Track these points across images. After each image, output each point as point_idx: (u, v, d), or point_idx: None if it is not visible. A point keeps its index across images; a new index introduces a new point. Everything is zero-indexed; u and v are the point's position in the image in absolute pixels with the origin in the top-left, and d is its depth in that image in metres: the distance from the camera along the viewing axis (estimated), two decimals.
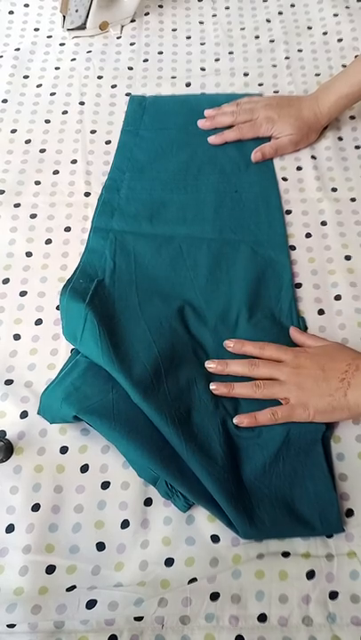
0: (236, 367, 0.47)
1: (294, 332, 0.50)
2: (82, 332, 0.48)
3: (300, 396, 0.44)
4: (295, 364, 0.46)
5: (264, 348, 0.47)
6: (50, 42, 0.76)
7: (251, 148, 0.64)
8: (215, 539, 0.42)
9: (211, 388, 0.46)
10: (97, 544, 0.42)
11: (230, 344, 0.49)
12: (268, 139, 0.64)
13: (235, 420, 0.45)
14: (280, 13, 0.78)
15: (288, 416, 0.44)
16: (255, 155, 0.62)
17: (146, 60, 0.74)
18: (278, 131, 0.62)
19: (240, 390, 0.46)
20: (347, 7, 0.77)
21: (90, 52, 0.74)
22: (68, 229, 0.59)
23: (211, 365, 0.47)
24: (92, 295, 0.50)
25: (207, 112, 0.65)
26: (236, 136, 0.63)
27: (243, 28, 0.77)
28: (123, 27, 0.77)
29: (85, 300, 0.50)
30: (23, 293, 0.54)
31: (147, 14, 0.78)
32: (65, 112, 0.68)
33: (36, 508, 0.43)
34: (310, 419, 0.44)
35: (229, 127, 0.64)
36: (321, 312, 0.53)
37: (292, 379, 0.45)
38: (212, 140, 0.63)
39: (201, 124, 0.65)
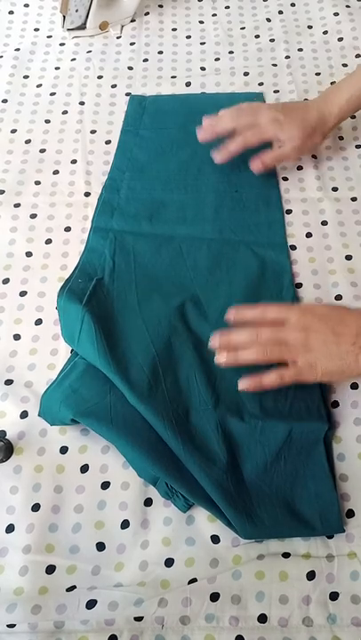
0: (239, 336, 0.44)
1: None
2: (79, 333, 0.48)
3: (308, 358, 0.43)
4: (302, 324, 0.43)
5: (266, 312, 0.45)
6: (50, 42, 0.76)
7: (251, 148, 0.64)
8: (215, 539, 0.42)
9: (216, 360, 0.44)
10: (97, 544, 0.42)
11: (230, 316, 0.46)
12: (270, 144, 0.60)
13: (239, 386, 0.43)
14: (280, 12, 0.78)
15: (296, 377, 0.43)
16: (255, 164, 0.58)
17: (146, 60, 0.73)
18: (285, 133, 0.57)
19: (246, 356, 0.44)
20: (347, 6, 0.77)
21: (90, 51, 0.74)
22: (68, 229, 0.59)
23: (215, 340, 0.45)
24: (90, 295, 0.50)
25: (206, 122, 0.59)
26: (240, 146, 0.57)
27: (243, 28, 0.77)
28: (123, 27, 0.77)
29: (83, 300, 0.49)
30: (23, 293, 0.54)
31: (147, 14, 0.78)
32: (65, 112, 0.68)
33: (36, 507, 0.43)
34: (318, 379, 0.43)
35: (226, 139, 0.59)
36: None
37: (299, 340, 0.43)
38: (217, 159, 0.58)
39: (201, 136, 0.59)
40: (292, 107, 0.59)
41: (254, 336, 0.44)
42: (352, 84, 0.59)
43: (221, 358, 0.44)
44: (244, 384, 0.43)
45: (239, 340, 0.45)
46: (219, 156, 0.59)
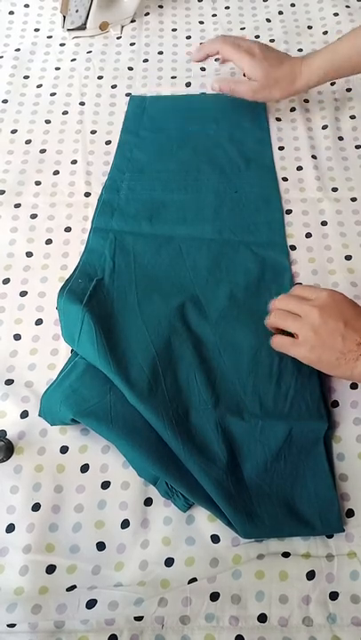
0: (279, 301, 0.46)
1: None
2: (79, 333, 0.48)
3: (310, 338, 0.42)
4: (323, 304, 0.43)
5: (300, 289, 0.47)
6: (50, 42, 0.76)
7: (251, 148, 0.64)
8: (215, 539, 0.42)
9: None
10: (97, 544, 0.42)
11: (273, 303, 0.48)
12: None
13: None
14: (280, 13, 0.78)
15: (284, 347, 0.44)
16: (212, 85, 0.62)
17: (146, 60, 0.74)
18: (247, 66, 0.59)
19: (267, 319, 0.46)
20: (347, 7, 0.77)
21: (90, 52, 0.74)
22: (68, 229, 0.59)
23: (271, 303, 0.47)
24: (90, 296, 0.51)
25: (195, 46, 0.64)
26: (215, 48, 0.61)
27: (243, 28, 0.77)
28: (123, 27, 0.77)
29: (83, 301, 0.50)
30: (23, 293, 0.54)
31: (147, 14, 0.78)
32: (65, 112, 0.68)
33: (36, 507, 0.43)
34: (308, 361, 0.43)
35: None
36: None
37: (310, 317, 0.43)
38: (193, 56, 0.63)
39: (193, 57, 0.64)
40: (272, 51, 0.61)
41: (274, 301, 0.47)
42: (333, 57, 0.59)
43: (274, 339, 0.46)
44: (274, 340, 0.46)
45: (275, 304, 0.47)
46: (195, 53, 0.63)
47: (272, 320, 0.46)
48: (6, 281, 0.55)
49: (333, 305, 0.43)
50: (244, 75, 0.61)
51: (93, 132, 0.66)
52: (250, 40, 0.62)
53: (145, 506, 0.44)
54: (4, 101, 0.69)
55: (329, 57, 0.59)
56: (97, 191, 0.61)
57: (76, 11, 0.73)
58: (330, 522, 0.42)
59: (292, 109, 0.68)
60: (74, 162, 0.64)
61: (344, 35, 0.60)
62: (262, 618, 0.39)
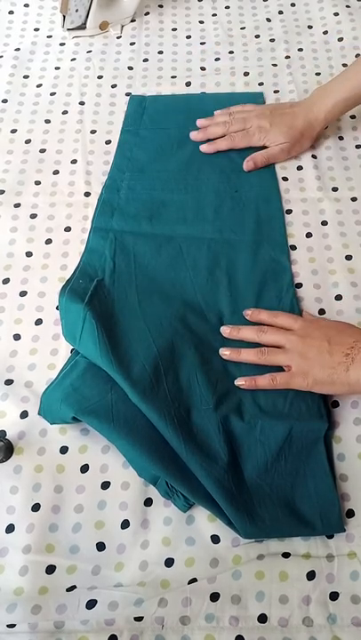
0: (246, 333, 0.48)
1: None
2: (80, 332, 0.48)
3: (301, 365, 0.44)
4: (303, 332, 0.46)
5: (277, 317, 0.49)
6: (50, 42, 0.76)
7: (251, 148, 0.64)
8: (215, 539, 0.42)
9: (221, 352, 0.48)
10: (97, 544, 0.42)
11: (248, 312, 0.50)
12: (262, 147, 0.62)
13: (235, 382, 0.46)
14: (280, 12, 0.78)
15: (286, 383, 0.45)
16: (247, 164, 0.61)
17: (146, 60, 0.73)
18: (271, 140, 0.61)
19: (246, 356, 0.47)
20: (347, 6, 0.77)
21: (90, 51, 0.74)
22: (68, 229, 0.59)
23: (225, 330, 0.49)
24: (92, 295, 0.50)
25: (200, 122, 0.64)
26: (228, 145, 0.62)
27: (243, 28, 0.77)
28: (123, 27, 0.77)
29: (84, 300, 0.49)
30: (23, 293, 0.54)
31: (147, 14, 0.78)
32: (65, 112, 0.68)
33: (36, 507, 0.43)
34: (308, 388, 0.45)
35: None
36: (322, 312, 0.53)
37: (296, 347, 0.45)
38: (203, 148, 0.63)
39: (193, 135, 0.63)
40: (280, 113, 0.62)
41: (260, 334, 0.48)
42: (339, 88, 0.60)
43: (225, 352, 0.48)
44: (239, 381, 0.47)
45: (246, 335, 0.48)
46: (205, 148, 0.63)
47: (262, 358, 0.46)
48: (6, 281, 0.55)
49: (314, 328, 0.47)
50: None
51: (93, 131, 0.66)
52: (254, 110, 0.63)
53: (145, 506, 0.44)
54: (4, 101, 0.69)
55: (341, 95, 0.60)
56: (97, 191, 0.61)
57: (76, 10, 0.73)
58: (330, 522, 0.42)
59: None
60: (74, 162, 0.64)
61: (351, 65, 0.61)
62: (262, 618, 0.39)
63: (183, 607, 0.39)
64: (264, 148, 0.62)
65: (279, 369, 0.46)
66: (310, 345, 0.45)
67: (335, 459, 0.45)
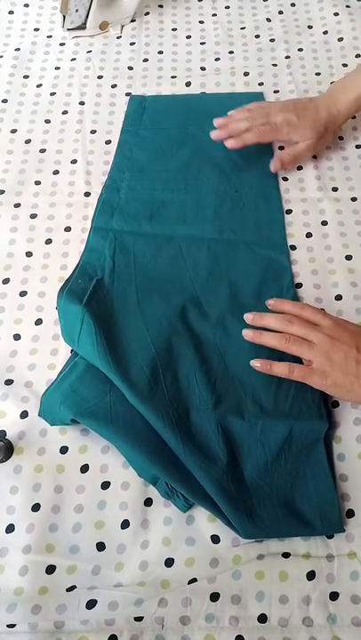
0: (271, 320, 0.46)
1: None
2: (79, 333, 0.48)
3: (323, 364, 0.43)
4: (333, 332, 0.45)
5: (303, 309, 0.47)
6: (50, 42, 0.76)
7: (250, 148, 0.64)
8: (215, 539, 0.42)
9: (243, 333, 0.47)
10: (97, 544, 0.42)
11: (271, 301, 0.49)
12: (281, 146, 0.61)
13: (251, 363, 0.45)
14: (280, 12, 0.78)
15: (303, 377, 0.44)
16: (274, 164, 0.59)
17: (146, 60, 0.73)
18: (298, 134, 0.59)
19: (268, 339, 0.46)
20: (347, 6, 0.77)
21: (90, 51, 0.74)
22: (68, 229, 0.59)
23: (249, 317, 0.48)
24: (90, 295, 0.50)
25: (217, 122, 0.60)
26: (255, 139, 0.59)
27: (243, 28, 0.77)
28: (123, 27, 0.77)
29: (83, 300, 0.49)
30: (23, 293, 0.54)
31: (147, 14, 0.78)
32: (65, 112, 0.68)
33: (36, 507, 0.43)
34: (324, 388, 0.44)
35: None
36: None
37: (323, 346, 0.44)
38: (230, 144, 0.59)
39: (215, 135, 0.60)
40: (303, 107, 0.60)
41: (286, 324, 0.45)
42: (358, 83, 0.59)
43: (248, 333, 0.47)
44: (255, 362, 0.45)
45: (270, 323, 0.46)
46: (232, 142, 0.59)
47: (285, 345, 0.45)
48: (6, 281, 0.55)
49: (343, 332, 0.45)
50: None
51: (93, 131, 0.66)
52: (275, 105, 0.61)
53: (145, 506, 0.44)
54: (4, 101, 0.69)
55: (354, 87, 0.59)
56: (97, 191, 0.61)
57: (76, 10, 0.73)
58: (330, 522, 0.42)
59: None
60: (74, 161, 0.64)
61: None
62: (262, 618, 0.39)
63: (183, 607, 0.39)
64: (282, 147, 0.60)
65: (295, 359, 0.45)
66: (338, 348, 0.43)
67: (335, 459, 0.45)
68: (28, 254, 0.57)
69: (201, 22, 0.78)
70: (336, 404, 0.48)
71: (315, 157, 0.64)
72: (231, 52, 0.74)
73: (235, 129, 0.59)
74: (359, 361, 0.43)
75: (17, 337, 0.52)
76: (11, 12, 0.79)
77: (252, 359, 0.46)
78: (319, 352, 0.44)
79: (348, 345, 0.44)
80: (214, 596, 0.40)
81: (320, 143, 0.60)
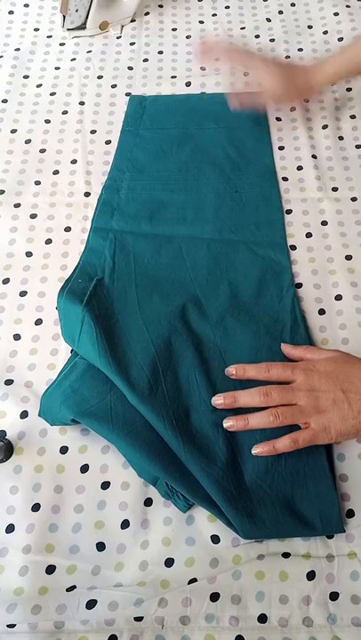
0: (246, 399, 0.43)
1: (288, 349, 0.47)
2: (79, 333, 0.48)
3: (320, 420, 0.42)
4: (309, 385, 0.42)
5: (270, 370, 0.44)
6: (50, 42, 0.76)
7: (250, 148, 0.64)
8: (215, 539, 0.42)
9: (225, 425, 0.43)
10: (97, 544, 0.42)
11: (232, 371, 0.45)
12: None
13: (253, 451, 0.42)
14: (280, 12, 0.78)
15: (310, 441, 0.42)
16: (232, 102, 0.62)
17: (146, 60, 0.73)
18: (268, 81, 0.61)
19: (257, 421, 0.42)
20: (347, 6, 0.77)
21: (90, 52, 0.74)
22: (68, 229, 0.59)
23: (218, 401, 0.44)
24: (90, 295, 0.50)
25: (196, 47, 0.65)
26: (229, 61, 0.64)
27: (243, 28, 0.77)
28: (123, 27, 0.77)
29: (83, 301, 0.49)
30: (23, 293, 0.54)
31: (147, 14, 0.78)
32: (65, 112, 0.68)
33: (36, 507, 0.43)
34: (333, 441, 0.42)
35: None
36: (322, 312, 0.53)
37: (310, 402, 0.42)
38: (198, 54, 0.64)
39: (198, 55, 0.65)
40: (281, 62, 0.65)
41: (265, 399, 0.42)
42: (341, 58, 0.62)
43: (230, 424, 0.43)
44: (257, 450, 0.42)
45: (246, 402, 0.43)
46: (200, 53, 0.64)
47: (277, 421, 0.42)
48: (6, 281, 0.55)
49: (319, 379, 0.43)
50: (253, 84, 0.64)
51: (93, 131, 0.66)
52: (251, 52, 0.65)
53: (145, 506, 0.44)
54: (4, 101, 0.69)
55: (339, 59, 0.62)
56: (97, 191, 0.61)
57: (76, 10, 0.73)
58: (330, 522, 0.42)
59: (292, 109, 0.68)
60: (74, 162, 0.64)
61: (353, 40, 0.63)
62: (262, 618, 0.39)
63: (183, 607, 0.39)
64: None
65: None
66: (324, 399, 0.42)
67: (335, 459, 0.45)
68: (28, 254, 0.57)
69: (201, 22, 0.78)
70: None
71: (314, 157, 0.63)
72: None
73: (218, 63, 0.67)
74: (350, 401, 0.41)
75: (17, 337, 0.52)
76: (11, 12, 0.79)
77: (250, 359, 0.45)
78: (310, 411, 0.42)
79: (331, 390, 0.42)
80: (214, 596, 0.40)
81: (286, 97, 0.64)
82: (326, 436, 0.42)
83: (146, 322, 0.50)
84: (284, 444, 0.42)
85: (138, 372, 0.46)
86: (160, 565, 0.41)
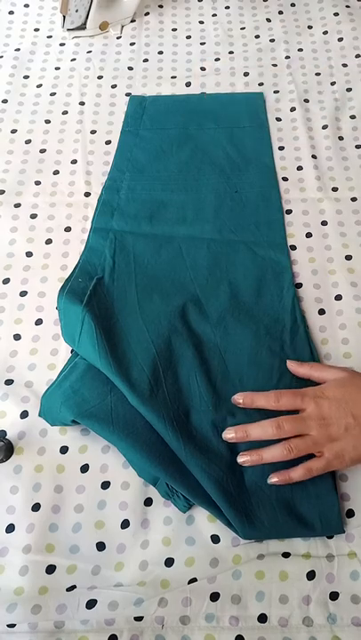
0: (258, 432, 0.42)
1: (294, 367, 0.47)
2: (79, 334, 0.48)
3: (334, 448, 0.41)
4: (320, 414, 0.42)
5: (279, 400, 0.43)
6: (50, 42, 0.76)
7: (251, 148, 0.64)
8: (215, 539, 0.42)
9: (239, 461, 0.42)
10: (97, 544, 0.42)
11: (240, 399, 0.44)
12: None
13: (269, 481, 0.42)
14: (280, 13, 0.78)
15: (325, 469, 0.42)
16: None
17: (146, 60, 0.73)
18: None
19: (271, 455, 0.42)
20: (347, 6, 0.77)
21: (90, 52, 0.74)
22: (68, 229, 0.59)
23: (230, 435, 0.43)
24: (90, 295, 0.50)
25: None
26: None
27: (243, 28, 0.77)
28: (123, 27, 0.77)
29: (83, 301, 0.49)
30: (23, 293, 0.54)
31: (147, 14, 0.78)
32: (65, 112, 0.68)
33: (36, 507, 0.43)
34: (346, 467, 0.43)
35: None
36: (321, 312, 0.53)
37: (322, 432, 0.41)
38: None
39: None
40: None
41: (277, 431, 0.41)
42: None
43: (244, 460, 0.42)
44: (274, 479, 0.42)
45: (259, 435, 0.42)
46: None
47: (291, 455, 0.41)
48: (6, 281, 0.55)
49: (329, 406, 0.42)
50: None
51: (93, 131, 0.66)
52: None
53: (145, 506, 0.44)
54: (4, 101, 0.69)
55: None
56: (97, 191, 0.61)
57: (76, 10, 0.73)
58: (330, 523, 0.42)
59: (293, 109, 0.68)
60: (74, 162, 0.64)
61: None
62: (262, 618, 0.39)
63: (183, 607, 0.39)
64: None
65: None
66: (336, 427, 0.41)
67: None
68: (28, 254, 0.57)
69: (201, 22, 0.78)
70: None
71: (314, 157, 0.64)
72: (231, 52, 0.74)
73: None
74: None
75: (17, 337, 0.52)
76: (11, 13, 0.79)
77: (251, 359, 0.45)
78: (323, 441, 0.41)
79: (342, 417, 0.41)
80: (214, 596, 0.40)
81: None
82: (340, 463, 0.42)
83: (146, 322, 0.50)
84: (298, 473, 0.41)
85: (138, 373, 0.46)
86: (160, 565, 0.41)
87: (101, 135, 0.66)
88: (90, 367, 0.47)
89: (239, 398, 0.45)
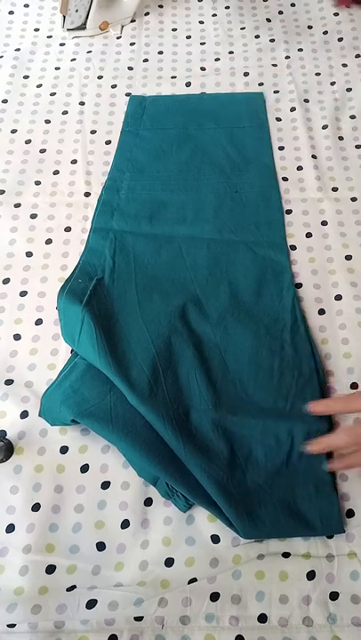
0: (340, 441, 0.42)
1: (322, 407, 0.44)
2: (79, 334, 0.48)
3: None
4: None
5: (351, 403, 0.42)
6: (50, 42, 0.76)
7: (251, 148, 0.64)
8: (215, 539, 0.42)
9: (328, 468, 0.42)
10: (97, 544, 0.42)
11: (316, 408, 0.43)
12: None
13: (327, 467, 0.42)
14: (280, 13, 0.78)
15: None
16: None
17: (146, 60, 0.73)
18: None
19: (356, 460, 0.42)
20: (347, 6, 0.77)
21: (90, 52, 0.74)
22: (68, 229, 0.59)
23: (313, 448, 0.42)
24: (90, 295, 0.50)
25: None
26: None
27: (243, 28, 0.77)
28: (123, 27, 0.77)
29: (83, 301, 0.50)
30: (23, 293, 0.54)
31: (147, 14, 0.78)
32: (65, 112, 0.68)
33: (36, 507, 0.43)
34: None
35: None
36: (321, 312, 0.53)
37: None
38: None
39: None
40: None
41: (355, 437, 0.42)
42: None
43: (332, 466, 0.43)
44: (332, 465, 0.42)
45: (340, 444, 0.42)
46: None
47: (352, 463, 0.42)
48: (6, 281, 0.55)
49: None
50: None
51: (93, 131, 0.66)
52: None
53: (145, 506, 0.44)
54: (4, 101, 0.69)
55: None
56: (97, 191, 0.61)
57: (76, 10, 0.73)
58: (330, 522, 0.42)
59: (293, 109, 0.68)
60: (74, 162, 0.64)
61: None
62: (262, 618, 0.39)
63: (183, 607, 0.39)
64: None
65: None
66: None
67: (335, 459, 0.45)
68: (28, 254, 0.57)
69: (201, 22, 0.78)
70: None
71: (314, 157, 0.64)
72: (231, 52, 0.74)
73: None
74: None
75: (17, 337, 0.52)
76: (11, 13, 0.79)
77: (251, 359, 0.44)
78: None
79: None
80: (214, 596, 0.40)
81: None
82: None
83: (146, 321, 0.50)
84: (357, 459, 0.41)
85: (138, 373, 0.46)
86: (160, 565, 0.41)
87: (101, 135, 0.66)
88: (89, 367, 0.47)
89: (316, 408, 0.43)
